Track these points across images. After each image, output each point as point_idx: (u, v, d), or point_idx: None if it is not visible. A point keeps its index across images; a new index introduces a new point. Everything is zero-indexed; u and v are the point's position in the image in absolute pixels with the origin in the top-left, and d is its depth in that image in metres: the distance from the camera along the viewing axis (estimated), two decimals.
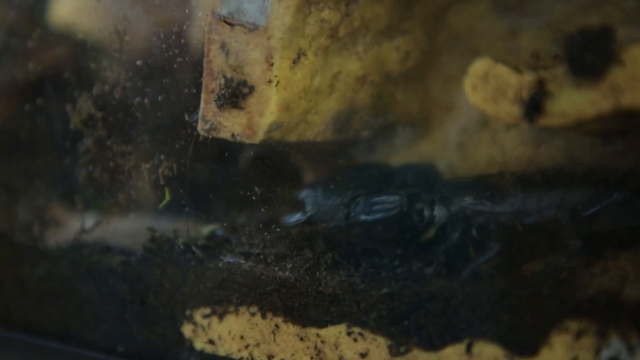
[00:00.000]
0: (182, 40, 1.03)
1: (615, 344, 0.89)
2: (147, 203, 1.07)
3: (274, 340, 0.98)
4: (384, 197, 0.96)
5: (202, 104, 0.98)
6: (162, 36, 1.03)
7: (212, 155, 1.02)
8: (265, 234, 1.02)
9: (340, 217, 0.97)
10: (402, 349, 0.94)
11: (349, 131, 1.04)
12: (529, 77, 0.89)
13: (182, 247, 1.03)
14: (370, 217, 0.96)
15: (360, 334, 0.95)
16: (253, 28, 0.95)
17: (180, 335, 1.02)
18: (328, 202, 0.97)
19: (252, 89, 0.96)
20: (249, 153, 1.02)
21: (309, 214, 0.97)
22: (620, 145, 0.94)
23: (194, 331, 1.02)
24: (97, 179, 1.07)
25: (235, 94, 0.96)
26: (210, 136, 0.98)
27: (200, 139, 1.00)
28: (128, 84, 1.05)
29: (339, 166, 1.08)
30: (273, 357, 0.98)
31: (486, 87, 0.90)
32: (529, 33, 1.02)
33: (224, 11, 0.96)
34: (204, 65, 0.97)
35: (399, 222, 1.01)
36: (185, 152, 1.02)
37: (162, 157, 1.04)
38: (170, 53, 1.03)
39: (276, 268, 0.98)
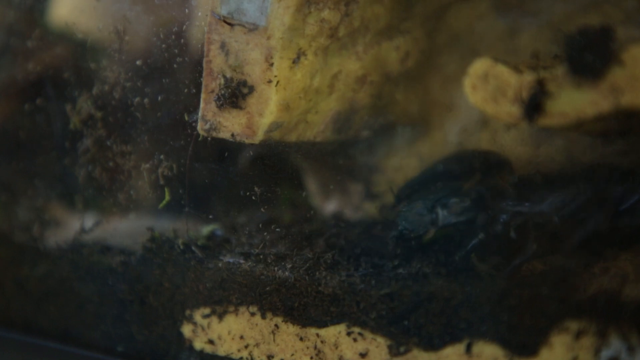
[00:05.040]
0: (182, 40, 1.03)
1: (615, 344, 0.89)
2: (147, 203, 1.07)
3: (274, 340, 0.98)
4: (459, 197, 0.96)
5: (201, 104, 0.98)
6: (161, 36, 1.03)
7: (211, 155, 1.02)
8: (265, 234, 1.02)
9: (426, 223, 0.96)
10: (401, 348, 0.94)
11: (349, 131, 1.04)
12: (528, 77, 0.89)
13: (181, 247, 1.03)
14: (457, 218, 0.96)
15: (360, 334, 0.95)
16: (253, 28, 0.95)
17: (180, 335, 1.02)
18: (413, 211, 0.97)
19: (251, 88, 0.96)
20: (248, 153, 1.02)
21: (400, 227, 0.97)
22: (621, 145, 0.94)
23: (194, 331, 1.02)
24: (96, 178, 1.07)
25: (235, 94, 0.96)
26: (210, 136, 0.98)
27: (200, 139, 1.00)
28: (128, 83, 1.05)
29: (339, 166, 1.08)
30: (273, 357, 0.99)
31: (486, 87, 0.90)
32: (529, 33, 1.02)
33: (223, 11, 0.96)
34: (204, 65, 0.97)
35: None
36: (185, 152, 1.02)
37: (161, 157, 1.04)
38: (170, 53, 1.03)
39: (276, 268, 0.98)
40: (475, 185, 0.97)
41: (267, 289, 0.98)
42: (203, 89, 0.97)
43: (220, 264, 1.00)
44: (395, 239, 0.98)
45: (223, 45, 0.96)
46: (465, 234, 0.96)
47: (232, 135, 0.97)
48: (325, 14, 0.96)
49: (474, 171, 0.98)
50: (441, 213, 0.96)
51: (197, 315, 1.01)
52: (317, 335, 0.97)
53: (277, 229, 1.03)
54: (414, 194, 0.99)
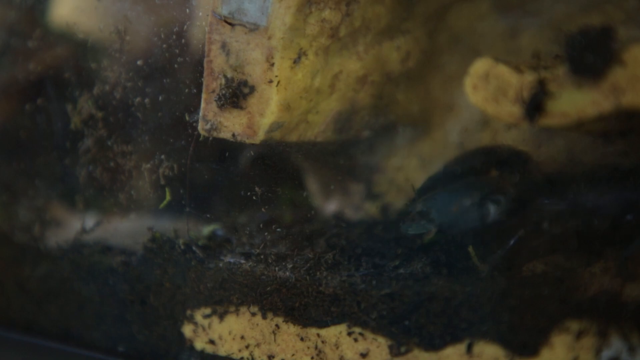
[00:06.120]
0: (183, 40, 1.03)
1: (615, 344, 0.89)
2: (148, 203, 1.07)
3: (275, 340, 0.98)
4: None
5: (202, 104, 0.98)
6: (162, 36, 1.03)
7: (212, 155, 1.02)
8: (266, 234, 1.02)
9: (474, 219, 0.95)
10: (402, 349, 0.94)
11: (350, 131, 1.04)
12: (529, 77, 0.89)
13: (182, 247, 1.03)
14: (503, 216, 0.95)
15: (361, 334, 0.95)
16: (254, 28, 0.95)
17: (181, 335, 1.02)
18: (454, 206, 0.96)
19: (252, 88, 0.96)
20: (249, 153, 1.02)
21: (437, 222, 0.96)
22: (621, 145, 0.94)
23: (195, 331, 1.02)
24: (97, 179, 1.08)
25: (236, 94, 0.96)
26: (210, 136, 0.98)
27: (200, 139, 1.00)
28: (128, 83, 1.05)
29: (340, 166, 1.08)
30: (273, 357, 0.98)
31: (487, 87, 0.90)
32: (530, 33, 1.02)
33: (224, 11, 0.96)
34: (205, 65, 0.97)
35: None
36: (185, 152, 1.02)
37: (162, 157, 1.04)
38: (170, 53, 1.03)
39: (277, 268, 0.98)
40: (507, 182, 0.96)
41: (268, 289, 0.98)
42: (204, 89, 0.97)
43: (221, 264, 1.00)
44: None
45: (224, 45, 0.96)
46: (465, 234, 0.96)
47: (233, 135, 0.97)
48: (326, 13, 0.96)
49: (492, 167, 0.98)
50: (492, 209, 0.95)
51: (198, 315, 1.01)
52: (318, 335, 0.97)
53: (278, 229, 1.03)
54: (437, 188, 0.98)
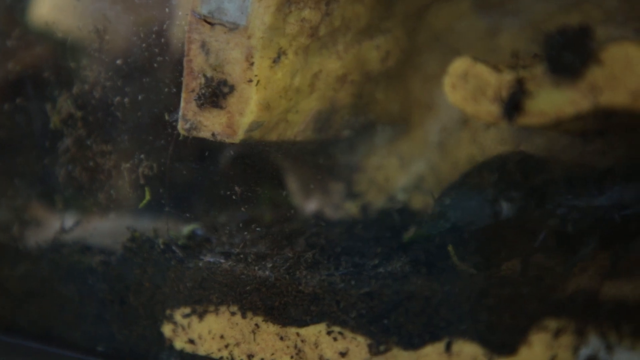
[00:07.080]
0: (162, 40, 1.02)
1: (593, 343, 0.89)
2: (127, 202, 1.07)
3: (254, 339, 0.98)
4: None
5: (182, 103, 0.97)
6: (142, 35, 1.03)
7: (192, 154, 1.02)
8: (246, 233, 1.02)
9: (487, 215, 0.95)
10: (381, 347, 0.94)
11: (330, 130, 1.04)
12: (508, 76, 0.89)
13: (162, 246, 1.03)
14: (516, 212, 0.95)
15: (340, 333, 0.95)
16: (233, 27, 0.95)
17: (160, 334, 1.02)
18: (470, 203, 0.96)
19: (232, 88, 0.96)
20: (229, 152, 1.02)
21: (453, 220, 0.96)
22: (599, 144, 0.95)
23: (174, 331, 1.01)
24: (77, 178, 1.07)
25: (216, 93, 0.96)
26: (190, 135, 0.98)
27: (180, 139, 0.99)
28: (108, 83, 1.05)
29: (320, 165, 1.08)
30: (253, 356, 0.98)
31: (466, 86, 0.90)
32: (509, 32, 1.02)
33: (204, 10, 0.96)
34: (184, 64, 0.97)
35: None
36: (165, 152, 1.02)
37: (142, 156, 1.04)
38: (150, 52, 1.03)
39: (256, 267, 0.98)
40: (521, 181, 0.96)
41: (248, 288, 0.98)
42: (183, 88, 0.97)
43: (200, 264, 1.00)
44: (447, 231, 0.96)
45: (203, 45, 0.96)
46: (450, 234, 0.96)
47: (213, 134, 0.97)
48: (306, 13, 0.96)
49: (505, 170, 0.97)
50: (505, 205, 0.95)
51: (178, 315, 1.01)
52: (298, 334, 0.97)
53: (258, 229, 1.02)
54: (453, 191, 0.98)
